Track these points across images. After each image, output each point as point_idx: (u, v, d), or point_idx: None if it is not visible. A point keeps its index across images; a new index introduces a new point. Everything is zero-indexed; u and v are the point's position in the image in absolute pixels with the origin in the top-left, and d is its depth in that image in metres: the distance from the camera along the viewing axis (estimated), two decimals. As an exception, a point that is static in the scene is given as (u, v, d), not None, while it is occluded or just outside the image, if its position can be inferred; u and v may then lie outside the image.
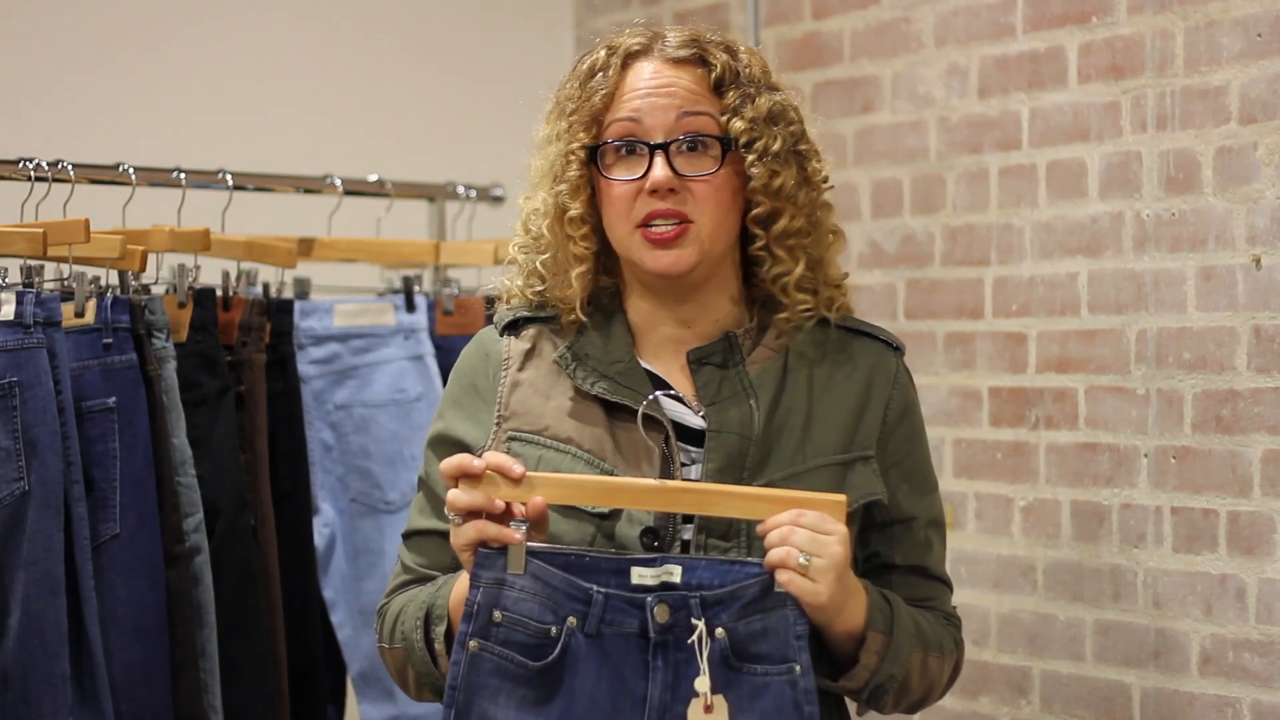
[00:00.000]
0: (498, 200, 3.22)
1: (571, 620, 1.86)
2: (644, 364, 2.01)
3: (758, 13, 3.44)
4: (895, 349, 2.06)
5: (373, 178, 3.06)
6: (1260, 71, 2.60)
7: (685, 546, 1.93)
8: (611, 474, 1.95)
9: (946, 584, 2.09)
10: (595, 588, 1.86)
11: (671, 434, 1.95)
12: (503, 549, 1.87)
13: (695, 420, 1.97)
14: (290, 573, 2.74)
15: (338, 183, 2.98)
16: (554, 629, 1.87)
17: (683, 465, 1.95)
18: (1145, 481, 2.75)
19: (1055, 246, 2.90)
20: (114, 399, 2.45)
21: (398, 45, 3.71)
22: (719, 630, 1.85)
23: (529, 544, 1.87)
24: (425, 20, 3.75)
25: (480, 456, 1.89)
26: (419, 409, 2.87)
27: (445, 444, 2.03)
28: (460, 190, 3.18)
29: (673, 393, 1.98)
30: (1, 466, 2.31)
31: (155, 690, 2.46)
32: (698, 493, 1.89)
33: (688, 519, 1.93)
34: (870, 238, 3.21)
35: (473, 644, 1.87)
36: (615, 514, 1.94)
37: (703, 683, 1.84)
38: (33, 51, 3.27)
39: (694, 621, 1.84)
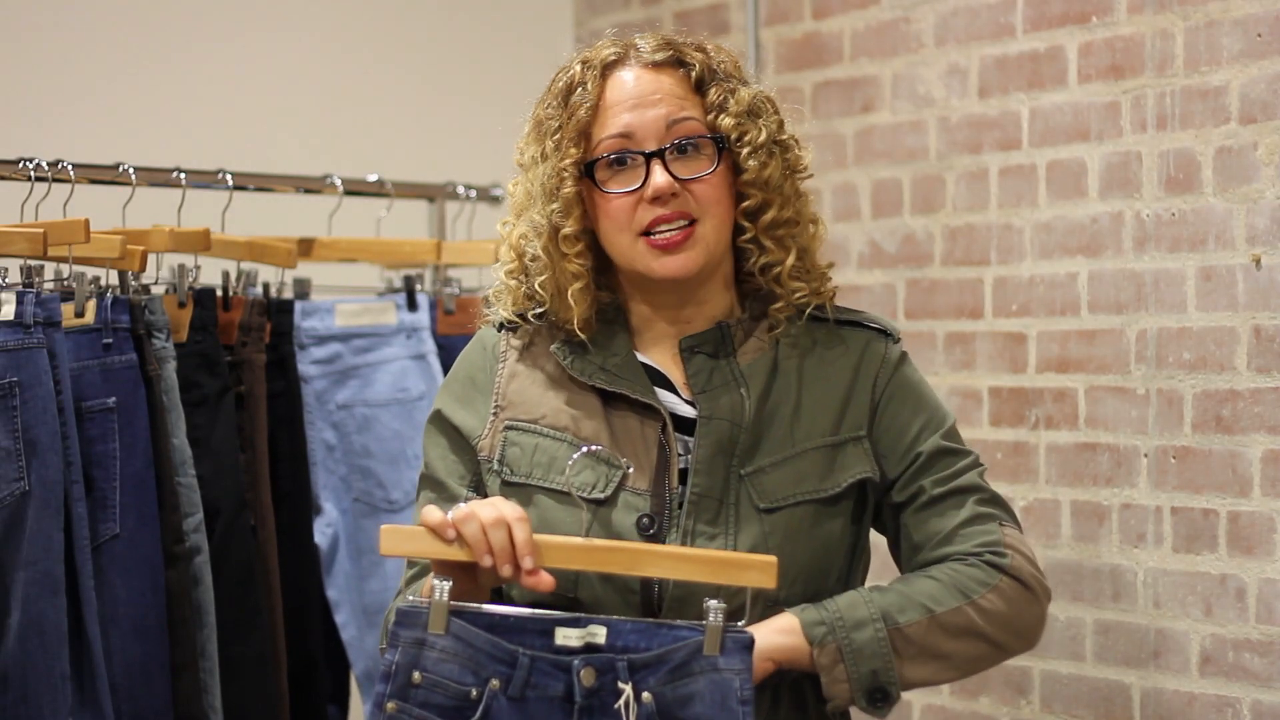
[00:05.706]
0: (497, 200, 3.22)
1: (494, 682, 1.81)
2: (641, 357, 2.02)
3: (758, 13, 3.44)
4: (887, 335, 2.06)
5: (373, 178, 3.06)
6: (1260, 71, 2.60)
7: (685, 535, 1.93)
8: (609, 463, 1.95)
9: (977, 488, 1.99)
10: (521, 649, 1.81)
11: (669, 423, 1.97)
12: (424, 607, 1.82)
13: (687, 410, 1.99)
14: (290, 573, 2.74)
15: (338, 183, 2.98)
16: (474, 691, 1.81)
17: (678, 455, 1.96)
18: (1145, 481, 2.75)
19: (1055, 246, 2.90)
20: (114, 399, 2.45)
21: (397, 45, 3.71)
22: (645, 694, 1.80)
23: (451, 603, 1.82)
24: (425, 20, 3.75)
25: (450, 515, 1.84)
26: (421, 408, 2.87)
27: (440, 424, 2.04)
28: (460, 190, 3.18)
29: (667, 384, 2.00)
30: (1, 466, 2.31)
31: (155, 690, 2.46)
32: (629, 552, 1.84)
33: (680, 504, 1.94)
34: (870, 238, 3.20)
35: (390, 705, 1.82)
36: (611, 500, 1.95)
37: None
38: (33, 51, 3.27)
39: (620, 685, 1.80)
